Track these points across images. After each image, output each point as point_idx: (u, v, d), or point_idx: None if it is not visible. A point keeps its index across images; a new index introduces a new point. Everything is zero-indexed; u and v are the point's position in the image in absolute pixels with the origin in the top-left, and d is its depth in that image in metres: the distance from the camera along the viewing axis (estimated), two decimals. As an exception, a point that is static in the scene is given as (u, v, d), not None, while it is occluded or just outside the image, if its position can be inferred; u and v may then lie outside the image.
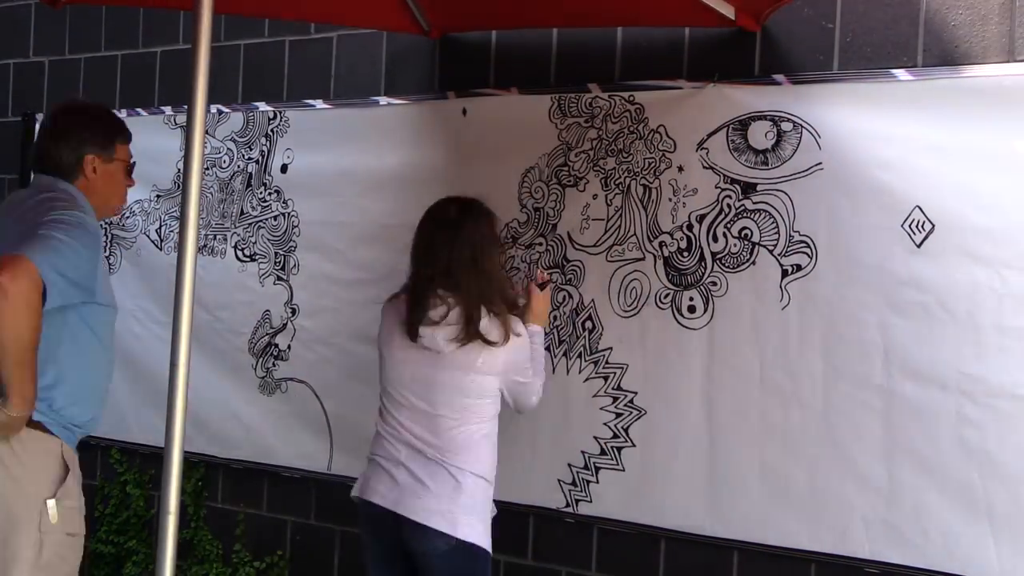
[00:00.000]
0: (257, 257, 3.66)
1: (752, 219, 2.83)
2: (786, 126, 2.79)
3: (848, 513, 2.70)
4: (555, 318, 3.11)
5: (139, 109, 3.98)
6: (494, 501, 2.60)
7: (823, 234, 2.73)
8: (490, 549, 2.52)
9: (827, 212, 2.73)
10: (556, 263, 3.12)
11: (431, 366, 2.54)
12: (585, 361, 3.06)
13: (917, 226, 2.61)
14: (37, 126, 4.12)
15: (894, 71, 2.69)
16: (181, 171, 3.74)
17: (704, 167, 2.90)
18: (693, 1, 2.67)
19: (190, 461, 3.73)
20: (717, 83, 2.90)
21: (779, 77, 2.83)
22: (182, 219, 2.19)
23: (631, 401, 2.99)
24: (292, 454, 3.58)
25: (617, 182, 3.03)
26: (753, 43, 2.91)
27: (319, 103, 3.57)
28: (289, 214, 3.59)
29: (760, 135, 2.83)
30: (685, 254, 2.92)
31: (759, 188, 2.83)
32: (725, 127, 2.88)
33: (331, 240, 3.50)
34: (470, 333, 2.49)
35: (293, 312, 3.58)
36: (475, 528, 2.50)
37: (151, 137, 3.86)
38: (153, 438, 3.83)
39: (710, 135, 2.90)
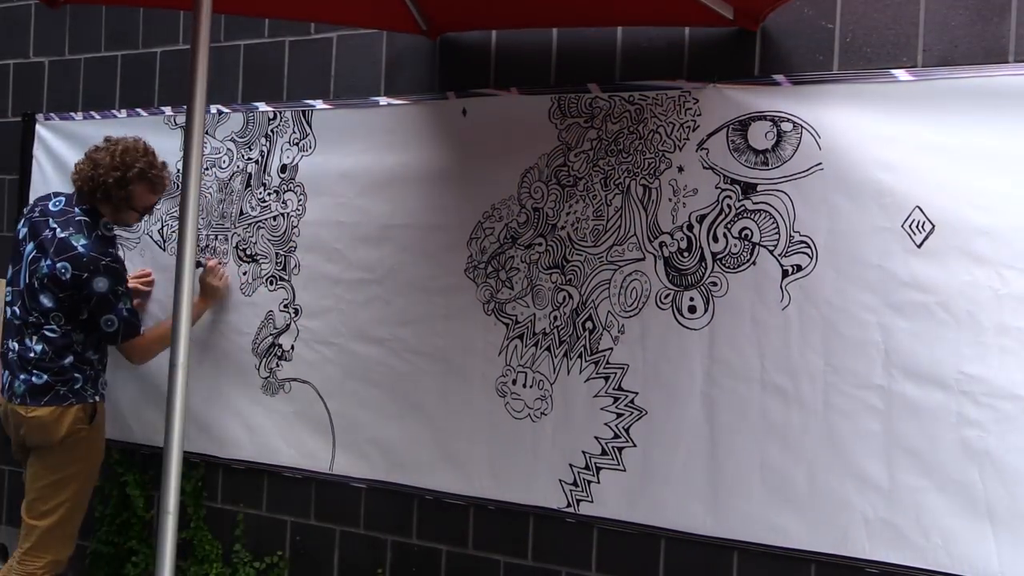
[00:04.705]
0: (258, 257, 3.66)
1: (752, 219, 2.83)
2: (786, 126, 2.79)
3: (848, 513, 2.70)
4: (555, 318, 3.11)
5: (139, 109, 3.98)
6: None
7: (823, 234, 2.74)
8: None
9: (827, 212, 2.73)
10: (556, 263, 3.12)
11: None
12: (586, 361, 3.06)
13: (917, 226, 2.61)
14: (37, 126, 4.17)
15: (894, 71, 2.69)
16: (181, 171, 3.75)
17: (704, 167, 2.90)
18: (691, 0, 2.67)
19: (190, 461, 3.74)
20: (717, 83, 2.90)
21: (779, 77, 2.83)
22: (181, 219, 2.19)
23: (632, 401, 2.99)
24: (295, 454, 3.58)
25: (617, 182, 3.03)
26: (753, 43, 2.91)
27: (319, 103, 3.57)
28: (288, 214, 3.59)
29: (760, 135, 2.83)
30: (685, 254, 2.92)
31: (759, 188, 2.83)
32: (725, 127, 2.88)
33: (331, 240, 3.50)
34: None
35: (296, 312, 3.58)
36: None
37: (151, 137, 3.85)
38: (153, 438, 3.84)
39: (710, 135, 2.90)
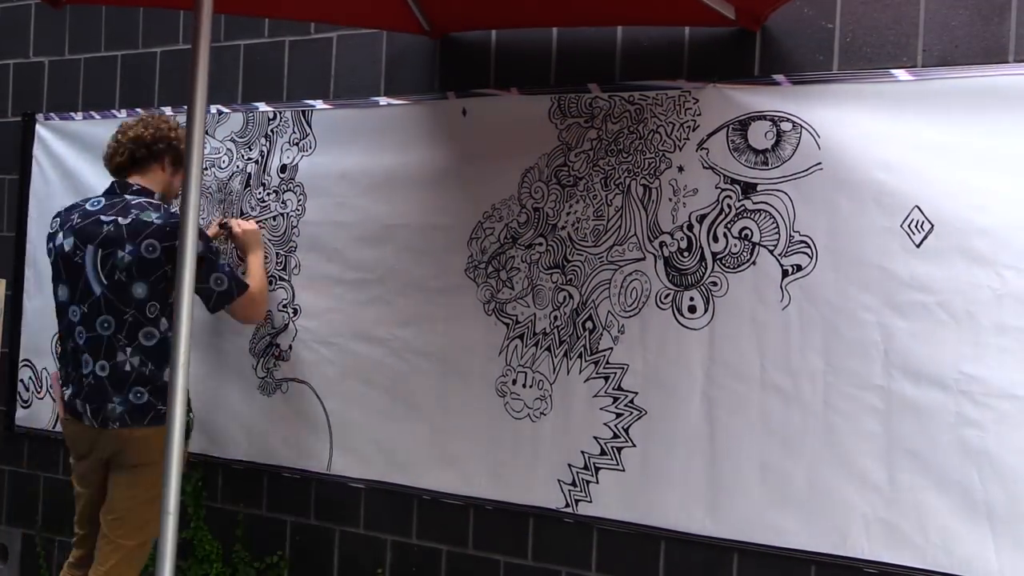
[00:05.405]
0: (257, 257, 3.66)
1: (752, 219, 2.84)
2: (786, 126, 2.80)
3: (848, 513, 2.70)
4: (555, 318, 3.11)
5: (139, 109, 3.98)
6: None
7: (823, 234, 2.74)
8: None
9: (827, 212, 2.73)
10: (556, 263, 3.12)
11: None
12: (585, 361, 3.06)
13: (916, 226, 2.61)
14: (37, 126, 4.17)
15: (894, 71, 2.69)
16: (181, 171, 3.74)
17: (704, 167, 2.91)
18: (693, 0, 2.67)
19: (190, 461, 3.73)
20: (717, 83, 2.91)
21: (779, 77, 2.83)
22: (181, 219, 2.20)
23: (631, 401, 2.99)
24: (293, 454, 3.58)
25: (617, 182, 3.03)
26: (753, 43, 2.91)
27: (319, 103, 3.57)
28: (288, 214, 3.59)
29: (760, 135, 2.83)
30: (685, 254, 2.93)
31: (759, 188, 2.83)
32: (725, 127, 2.88)
33: (331, 240, 3.50)
34: None
35: (295, 312, 3.58)
36: None
37: (151, 137, 3.87)
38: (153, 438, 3.84)
39: (710, 135, 2.90)
